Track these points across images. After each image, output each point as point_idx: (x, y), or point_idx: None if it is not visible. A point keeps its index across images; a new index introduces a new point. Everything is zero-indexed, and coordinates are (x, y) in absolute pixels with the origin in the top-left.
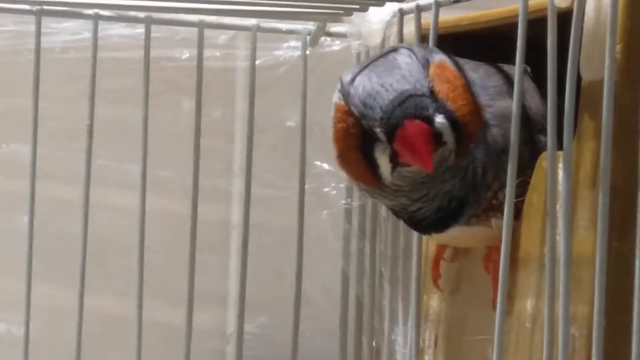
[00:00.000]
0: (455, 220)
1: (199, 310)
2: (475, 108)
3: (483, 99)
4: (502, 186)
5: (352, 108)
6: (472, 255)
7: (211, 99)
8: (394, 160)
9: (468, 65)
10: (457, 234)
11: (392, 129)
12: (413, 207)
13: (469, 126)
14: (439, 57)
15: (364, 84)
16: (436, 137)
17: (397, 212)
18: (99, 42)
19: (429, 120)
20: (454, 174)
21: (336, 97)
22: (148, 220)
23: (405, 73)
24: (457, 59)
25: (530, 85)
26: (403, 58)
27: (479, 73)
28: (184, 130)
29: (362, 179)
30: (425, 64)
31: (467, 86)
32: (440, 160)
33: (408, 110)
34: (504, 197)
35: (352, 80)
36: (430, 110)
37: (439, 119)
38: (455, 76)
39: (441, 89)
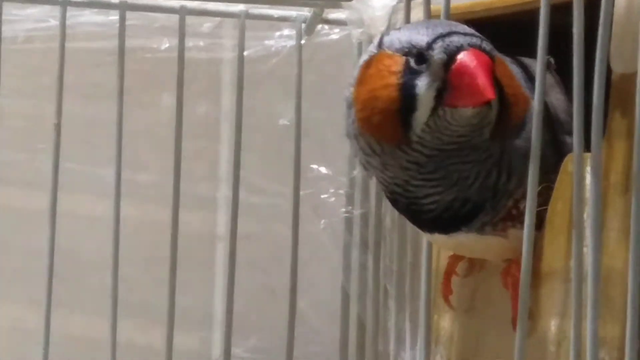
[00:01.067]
0: (465, 225)
1: (181, 332)
2: (524, 97)
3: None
4: (525, 195)
5: (394, 48)
6: (488, 269)
7: (194, 95)
8: (439, 99)
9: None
10: (466, 241)
11: (452, 53)
12: (418, 192)
13: (512, 109)
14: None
15: (405, 31)
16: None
17: (396, 198)
18: (68, 30)
19: (491, 56)
20: (480, 160)
21: (372, 49)
22: (123, 230)
23: (465, 28)
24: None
25: (554, 80)
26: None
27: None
28: (163, 129)
29: (388, 129)
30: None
31: (519, 82)
32: (480, 123)
33: (466, 39)
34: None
35: (390, 33)
36: (489, 48)
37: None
38: (506, 66)
39: (497, 64)
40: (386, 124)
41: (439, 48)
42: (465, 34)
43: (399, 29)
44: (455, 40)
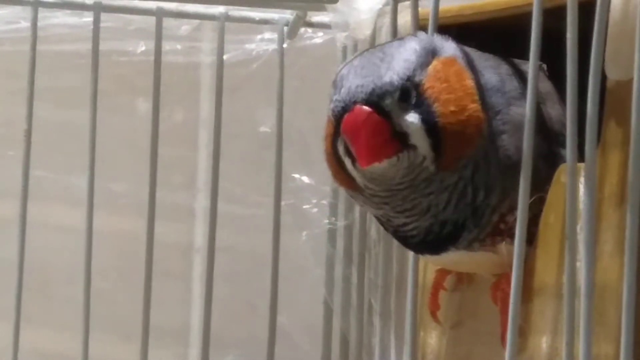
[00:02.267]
0: (453, 244)
1: (156, 348)
2: (474, 119)
3: (498, 106)
4: (512, 208)
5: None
6: (477, 284)
7: (171, 100)
8: (351, 154)
9: (490, 61)
10: (457, 259)
11: (340, 114)
12: (398, 221)
13: (456, 137)
14: (451, 52)
15: (344, 72)
16: (400, 137)
17: (383, 225)
18: (39, 32)
19: (385, 112)
20: (440, 189)
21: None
22: (96, 241)
23: (393, 62)
24: (480, 53)
25: (550, 88)
26: (405, 46)
27: (499, 73)
28: (139, 136)
29: (339, 179)
30: (427, 56)
31: (474, 91)
32: (410, 167)
33: (360, 95)
34: (514, 221)
35: (341, 68)
36: (389, 101)
37: (410, 117)
38: (460, 77)
39: (433, 87)
40: (335, 174)
41: (332, 112)
42: (364, 85)
43: (353, 59)
44: (344, 97)
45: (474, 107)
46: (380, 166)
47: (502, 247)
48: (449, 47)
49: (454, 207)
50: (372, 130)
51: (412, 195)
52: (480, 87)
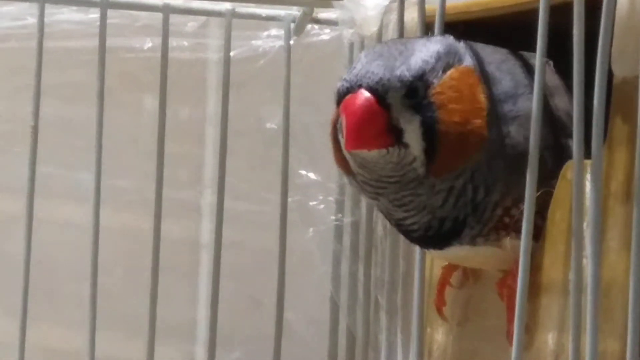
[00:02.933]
0: (455, 239)
1: (163, 344)
2: (475, 135)
3: (506, 100)
4: (517, 202)
5: None
6: (483, 280)
7: (178, 97)
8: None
9: (499, 55)
10: (462, 254)
11: (344, 94)
12: (397, 215)
13: (451, 148)
14: (469, 62)
15: (361, 56)
16: (395, 131)
17: (386, 217)
18: (46, 29)
19: (385, 104)
20: (431, 193)
21: None
22: (102, 238)
23: (410, 58)
24: (489, 47)
25: (559, 82)
26: (428, 46)
27: (507, 68)
28: (146, 133)
29: (337, 159)
30: (447, 61)
31: (484, 107)
32: (399, 164)
33: (366, 80)
34: (520, 214)
35: (363, 53)
36: (393, 94)
37: (410, 115)
38: (474, 90)
39: (444, 93)
40: (335, 153)
41: (337, 87)
42: (374, 72)
43: (375, 47)
44: (351, 78)
45: (479, 123)
46: (369, 154)
47: (507, 241)
48: (468, 57)
49: (452, 206)
50: (367, 117)
51: (402, 192)
52: (490, 89)
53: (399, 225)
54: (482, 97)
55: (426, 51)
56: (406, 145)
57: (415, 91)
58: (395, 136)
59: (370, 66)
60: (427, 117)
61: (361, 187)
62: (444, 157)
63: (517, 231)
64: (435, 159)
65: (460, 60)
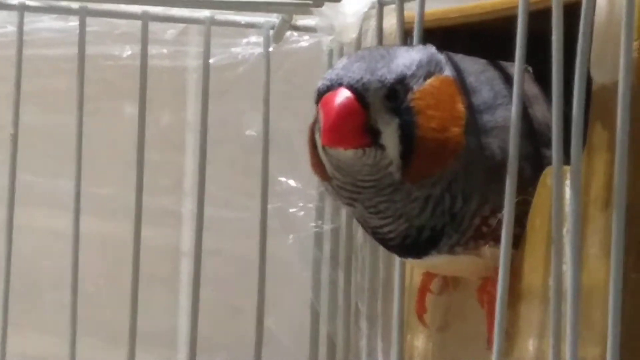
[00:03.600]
0: (433, 248)
1: (143, 352)
2: (452, 143)
3: (485, 110)
4: (495, 210)
5: None
6: (463, 287)
7: (158, 104)
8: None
9: (477, 65)
10: (440, 263)
11: (323, 92)
12: (373, 222)
13: (427, 154)
14: (449, 73)
15: (343, 58)
16: (372, 133)
17: (362, 226)
18: (25, 36)
19: (365, 103)
20: (408, 200)
21: None
22: (82, 245)
23: (392, 63)
24: (468, 57)
25: (537, 91)
26: (411, 53)
27: (486, 78)
28: (125, 140)
29: (313, 163)
30: (428, 70)
31: (462, 116)
32: (375, 167)
33: (347, 80)
34: (497, 223)
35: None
36: (373, 94)
37: (388, 117)
38: (453, 100)
39: (424, 99)
40: (311, 156)
41: (317, 87)
42: (355, 72)
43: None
44: (332, 77)
45: (456, 131)
46: (346, 155)
47: (486, 250)
48: (448, 68)
49: (429, 214)
50: (345, 113)
51: (378, 198)
52: (469, 100)
53: (376, 234)
54: (460, 107)
55: (408, 57)
56: (383, 147)
57: (395, 94)
58: (372, 137)
59: (351, 66)
60: (406, 121)
61: (337, 193)
62: (420, 162)
63: (495, 239)
64: (411, 164)
65: (441, 70)
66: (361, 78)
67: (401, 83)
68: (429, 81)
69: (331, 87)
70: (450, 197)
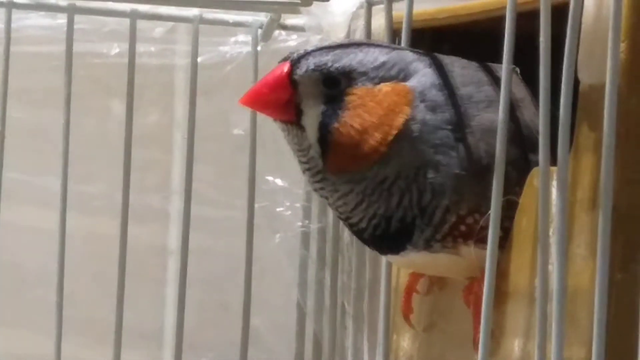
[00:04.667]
0: (408, 242)
1: (130, 349)
2: (368, 148)
3: (468, 113)
4: (473, 210)
5: None
6: (450, 287)
7: (145, 102)
8: None
9: (467, 70)
10: (422, 261)
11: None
12: (343, 210)
13: (340, 149)
14: (414, 84)
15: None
16: (297, 112)
17: (340, 218)
18: (13, 34)
19: (292, 78)
20: (341, 193)
21: None
22: (69, 243)
23: (351, 54)
24: (456, 59)
25: (524, 94)
26: (378, 54)
27: (473, 81)
28: (113, 138)
29: None
30: (386, 73)
31: (392, 131)
32: (300, 147)
33: (294, 55)
34: (476, 223)
35: None
36: (305, 74)
37: (316, 102)
38: (393, 110)
39: (361, 98)
40: None
41: None
42: (308, 52)
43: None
44: (293, 52)
45: (377, 138)
46: (280, 125)
47: (471, 250)
48: (417, 79)
49: (396, 204)
50: (270, 81)
51: (320, 184)
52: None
53: (350, 226)
54: (399, 119)
55: (372, 56)
56: (302, 128)
57: (334, 82)
58: (296, 116)
59: (314, 48)
60: (331, 111)
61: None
62: (335, 155)
63: (476, 240)
64: (329, 155)
65: (404, 78)
66: (304, 58)
67: (346, 75)
68: (381, 85)
69: (286, 59)
70: (418, 191)
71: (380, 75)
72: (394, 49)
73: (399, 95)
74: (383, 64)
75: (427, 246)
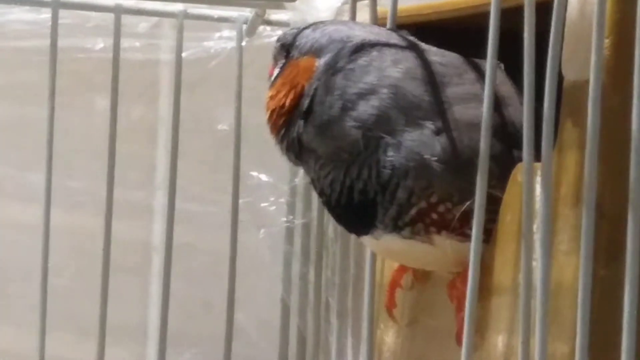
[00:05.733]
0: (376, 220)
1: (113, 345)
2: (272, 117)
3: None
4: (445, 199)
5: None
6: (433, 282)
7: (130, 98)
8: None
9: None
10: (396, 247)
11: None
12: (312, 176)
13: (269, 117)
14: (326, 59)
15: None
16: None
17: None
18: None
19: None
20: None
21: None
22: (53, 238)
23: (309, 30)
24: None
25: (510, 92)
26: (320, 31)
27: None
28: (97, 133)
29: None
30: (307, 48)
31: (292, 96)
32: None
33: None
34: (448, 213)
35: None
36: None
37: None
38: (291, 81)
39: (285, 68)
40: None
41: None
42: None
43: None
44: None
45: (276, 109)
46: None
47: (445, 241)
48: (331, 53)
49: (355, 175)
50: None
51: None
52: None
53: (322, 195)
54: (293, 92)
55: (316, 33)
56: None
57: (287, 53)
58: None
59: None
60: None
61: None
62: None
63: (450, 230)
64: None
65: (318, 54)
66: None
67: (290, 47)
68: (299, 58)
69: None
70: (377, 168)
71: (305, 49)
72: (339, 28)
73: (303, 68)
74: (315, 40)
75: (396, 228)
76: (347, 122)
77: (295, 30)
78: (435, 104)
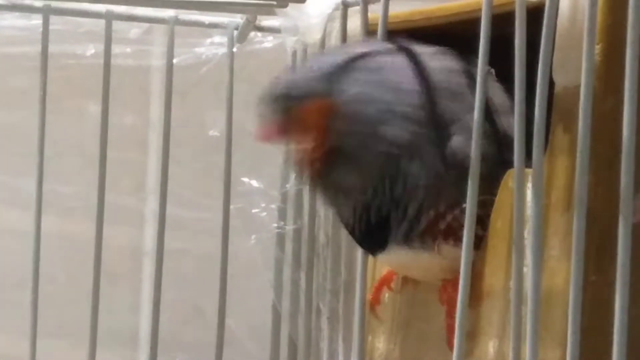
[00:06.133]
0: (388, 235)
1: (104, 351)
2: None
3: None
4: (451, 208)
5: None
6: (424, 287)
7: (121, 104)
8: None
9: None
10: (405, 259)
11: None
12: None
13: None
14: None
15: None
16: None
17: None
18: None
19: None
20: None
21: None
22: (44, 244)
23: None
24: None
25: (506, 100)
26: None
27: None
28: (88, 139)
29: None
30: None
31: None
32: None
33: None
34: (455, 222)
35: None
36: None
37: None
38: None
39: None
40: None
41: None
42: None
43: None
44: None
45: (306, 156)
46: None
47: (447, 248)
48: (348, 86)
49: (371, 194)
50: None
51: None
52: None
53: (347, 226)
54: (317, 138)
55: (303, 72)
56: None
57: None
58: None
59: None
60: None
61: None
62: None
63: (454, 238)
64: None
65: (330, 95)
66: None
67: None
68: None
69: None
70: (391, 181)
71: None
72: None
73: (329, 112)
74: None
75: (407, 242)
76: (373, 148)
77: (280, 86)
78: (448, 115)
